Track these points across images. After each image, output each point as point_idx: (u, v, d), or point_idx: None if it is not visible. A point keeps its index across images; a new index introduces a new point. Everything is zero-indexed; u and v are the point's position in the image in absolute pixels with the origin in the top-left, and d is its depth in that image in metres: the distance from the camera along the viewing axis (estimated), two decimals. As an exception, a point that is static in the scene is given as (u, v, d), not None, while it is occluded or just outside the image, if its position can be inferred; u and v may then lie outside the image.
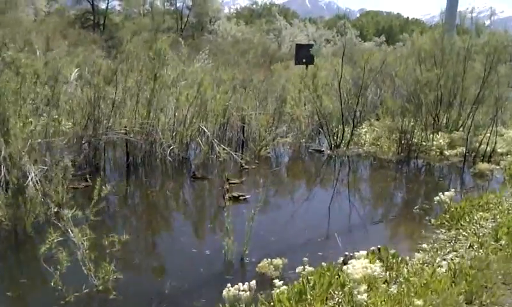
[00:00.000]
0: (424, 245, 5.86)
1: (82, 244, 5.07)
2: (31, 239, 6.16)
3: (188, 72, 11.11)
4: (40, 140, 8.35)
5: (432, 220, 7.11)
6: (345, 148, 12.17)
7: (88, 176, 8.74)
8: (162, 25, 49.76)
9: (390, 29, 56.75)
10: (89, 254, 5.03)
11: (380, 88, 14.64)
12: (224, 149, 10.52)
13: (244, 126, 11.68)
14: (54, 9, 48.37)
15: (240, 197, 8.05)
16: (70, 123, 9.24)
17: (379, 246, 5.41)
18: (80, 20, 45.78)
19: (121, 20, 47.31)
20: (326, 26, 59.20)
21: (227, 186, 8.18)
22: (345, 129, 12.47)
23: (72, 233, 5.12)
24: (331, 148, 12.19)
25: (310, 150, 12.27)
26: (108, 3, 50.38)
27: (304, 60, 17.91)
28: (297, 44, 21.92)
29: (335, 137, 12.38)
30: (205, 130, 10.61)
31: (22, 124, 8.23)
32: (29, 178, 7.60)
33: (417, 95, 11.49)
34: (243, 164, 10.07)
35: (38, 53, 13.02)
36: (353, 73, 13.65)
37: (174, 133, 10.28)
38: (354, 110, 12.52)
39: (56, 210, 6.76)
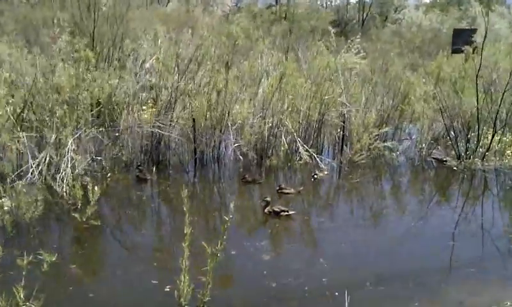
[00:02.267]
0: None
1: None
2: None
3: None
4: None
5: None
6: (479, 159, 9.30)
7: (139, 171, 8.06)
8: (345, 16, 48.83)
9: None
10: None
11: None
12: (307, 151, 8.82)
13: (344, 126, 9.72)
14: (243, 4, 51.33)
15: (282, 213, 6.41)
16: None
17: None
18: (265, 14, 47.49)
19: (303, 13, 47.36)
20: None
21: (268, 198, 6.58)
22: (485, 134, 9.59)
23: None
24: (458, 158, 9.43)
25: (428, 159, 9.68)
26: (291, -4, 51.17)
27: (463, 48, 14.64)
28: (455, 29, 18.29)
29: (468, 144, 9.54)
30: (289, 126, 9.03)
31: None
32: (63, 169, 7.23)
33: None
34: (316, 172, 8.23)
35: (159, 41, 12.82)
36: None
37: (251, 128, 8.97)
38: (496, 111, 9.46)
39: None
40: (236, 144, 8.67)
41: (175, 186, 7.68)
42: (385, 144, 9.33)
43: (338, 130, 9.85)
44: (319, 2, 51.80)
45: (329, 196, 7.68)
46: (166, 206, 7.21)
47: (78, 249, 5.47)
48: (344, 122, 9.75)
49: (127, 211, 6.78)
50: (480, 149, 9.53)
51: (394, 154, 9.82)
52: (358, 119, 9.56)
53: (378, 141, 9.21)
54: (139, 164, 8.22)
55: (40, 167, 7.29)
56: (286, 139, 9.17)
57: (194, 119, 8.74)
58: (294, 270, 5.01)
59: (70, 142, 7.50)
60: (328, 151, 9.95)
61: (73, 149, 7.60)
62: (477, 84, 9.52)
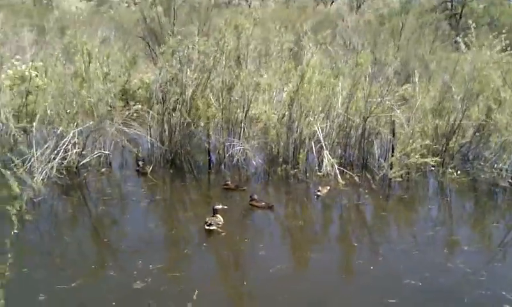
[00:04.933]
0: None
1: None
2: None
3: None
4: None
5: None
6: None
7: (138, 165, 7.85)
8: None
9: None
10: None
11: None
12: (329, 160, 7.48)
13: (394, 134, 7.99)
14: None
15: (209, 227, 5.53)
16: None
17: None
18: (438, 9, 43.32)
19: (484, 7, 42.09)
20: None
21: (218, 206, 5.71)
22: None
23: None
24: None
25: (503, 183, 7.37)
26: (470, -10, 45.98)
27: None
28: None
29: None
30: (318, 132, 7.77)
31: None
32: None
33: None
34: (319, 188, 6.85)
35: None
36: None
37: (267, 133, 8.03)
38: None
39: None
40: (243, 148, 7.76)
41: (157, 185, 7.19)
42: (425, 159, 7.27)
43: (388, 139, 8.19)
44: (505, -4, 45.60)
45: (301, 218, 6.09)
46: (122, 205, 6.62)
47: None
48: (393, 130, 8.04)
49: (76, 208, 6.42)
50: None
51: (455, 174, 7.73)
52: (408, 128, 7.76)
53: (417, 156, 7.27)
54: (139, 159, 7.99)
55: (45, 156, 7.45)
56: (313, 146, 7.92)
57: (208, 118, 8.12)
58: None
59: (70, 135, 7.58)
60: (374, 163, 8.29)
61: (75, 142, 7.69)
62: None
